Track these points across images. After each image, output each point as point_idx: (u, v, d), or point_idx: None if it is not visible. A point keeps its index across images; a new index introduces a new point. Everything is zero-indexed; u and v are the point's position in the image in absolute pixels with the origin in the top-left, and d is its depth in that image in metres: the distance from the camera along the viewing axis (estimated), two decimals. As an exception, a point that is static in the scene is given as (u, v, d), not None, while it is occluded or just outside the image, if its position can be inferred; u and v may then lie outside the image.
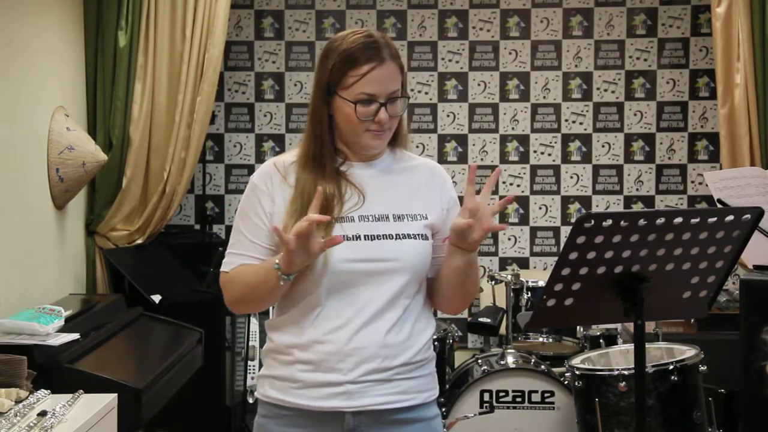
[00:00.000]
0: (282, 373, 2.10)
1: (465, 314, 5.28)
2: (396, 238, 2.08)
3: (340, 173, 2.13)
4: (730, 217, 2.15)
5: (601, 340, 4.20)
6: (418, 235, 2.11)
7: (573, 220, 5.25)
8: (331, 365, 2.05)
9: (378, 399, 2.07)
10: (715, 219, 2.14)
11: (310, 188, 2.08)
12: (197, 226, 5.23)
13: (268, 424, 2.13)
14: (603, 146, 5.27)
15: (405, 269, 2.09)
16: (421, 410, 2.13)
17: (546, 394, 3.99)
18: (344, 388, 2.05)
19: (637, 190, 5.26)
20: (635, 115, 5.25)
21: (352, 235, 2.06)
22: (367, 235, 2.08)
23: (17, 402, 2.61)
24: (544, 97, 5.27)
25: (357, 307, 2.07)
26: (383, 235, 2.08)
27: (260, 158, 5.26)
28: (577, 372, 3.49)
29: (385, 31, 5.23)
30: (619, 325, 4.30)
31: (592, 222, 2.06)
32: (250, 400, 4.68)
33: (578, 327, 4.25)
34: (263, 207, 2.12)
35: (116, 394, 2.86)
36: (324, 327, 2.07)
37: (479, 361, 4.20)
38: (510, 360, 4.10)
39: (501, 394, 3.99)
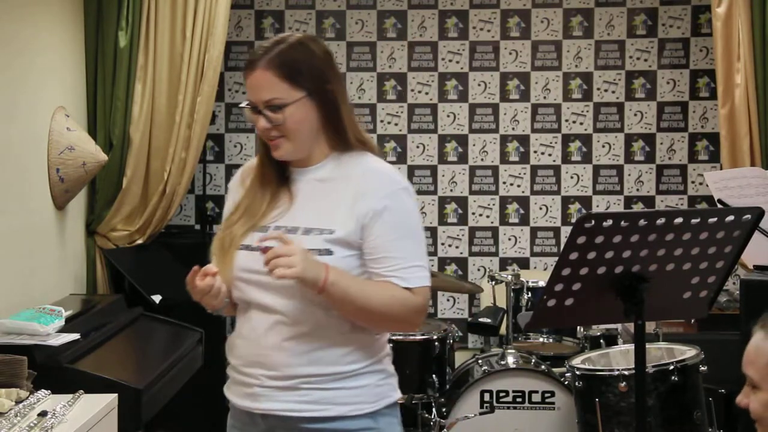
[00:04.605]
0: (228, 369, 2.20)
1: (465, 314, 5.29)
2: None
3: (287, 179, 2.15)
4: (731, 218, 2.15)
5: (601, 341, 4.19)
6: (315, 250, 2.03)
7: (573, 220, 5.25)
8: (242, 368, 2.12)
9: (283, 405, 2.07)
10: (715, 219, 2.14)
11: (247, 195, 2.17)
12: (197, 227, 5.23)
13: (229, 417, 2.23)
14: (603, 146, 5.27)
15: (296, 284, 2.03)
16: (341, 422, 2.07)
17: (546, 395, 3.98)
18: (252, 390, 2.11)
19: (638, 190, 5.26)
20: (635, 115, 5.25)
21: (254, 246, 2.07)
22: (269, 248, 2.04)
23: (17, 402, 2.61)
24: (545, 98, 5.27)
25: (265, 315, 2.08)
26: None
27: (260, 158, 5.26)
28: (578, 372, 3.49)
29: (384, 32, 5.25)
30: (619, 326, 4.30)
31: (593, 222, 2.06)
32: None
33: (578, 327, 4.25)
34: (228, 208, 2.23)
35: (116, 395, 2.86)
36: (240, 330, 2.15)
37: (479, 361, 4.19)
38: (510, 360, 4.10)
39: (501, 394, 3.99)
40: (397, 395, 2.17)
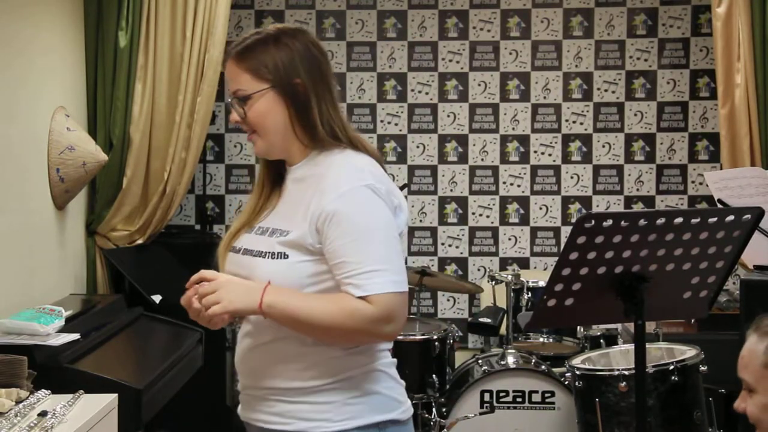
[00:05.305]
0: None
1: (465, 314, 5.29)
2: (253, 255, 2.01)
3: (282, 178, 2.10)
4: (731, 217, 2.15)
5: (601, 341, 4.20)
6: (269, 253, 1.98)
7: (573, 220, 5.25)
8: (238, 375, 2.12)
9: (256, 415, 2.05)
10: (715, 219, 2.14)
11: (251, 197, 2.15)
12: (197, 227, 5.23)
13: None
14: (603, 146, 5.27)
15: None
16: None
17: (546, 395, 3.98)
18: (240, 398, 2.11)
19: (638, 190, 5.26)
20: (636, 115, 5.25)
21: (238, 248, 2.07)
22: (245, 249, 2.04)
23: (17, 402, 2.61)
24: (545, 98, 5.27)
25: (245, 323, 2.07)
26: (249, 251, 2.03)
27: (260, 158, 5.26)
28: (578, 372, 3.49)
29: (384, 32, 5.25)
30: (619, 326, 4.30)
31: (593, 222, 2.06)
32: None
33: (578, 327, 4.25)
34: None
35: (116, 395, 2.86)
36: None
37: (480, 361, 4.19)
38: (510, 360, 4.10)
39: (501, 394, 3.99)
40: (380, 418, 1.99)
